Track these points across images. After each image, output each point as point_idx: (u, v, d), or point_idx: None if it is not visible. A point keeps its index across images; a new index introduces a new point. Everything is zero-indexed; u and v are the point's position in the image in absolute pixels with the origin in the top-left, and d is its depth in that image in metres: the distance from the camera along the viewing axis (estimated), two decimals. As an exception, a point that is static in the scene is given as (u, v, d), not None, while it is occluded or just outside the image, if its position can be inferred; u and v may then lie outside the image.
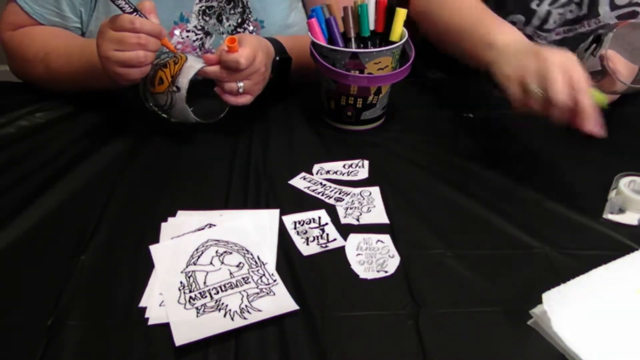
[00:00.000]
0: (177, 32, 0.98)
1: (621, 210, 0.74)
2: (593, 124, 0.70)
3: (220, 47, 0.81)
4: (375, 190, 0.78)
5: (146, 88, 0.86)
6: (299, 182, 0.80)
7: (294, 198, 0.77)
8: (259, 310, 0.60)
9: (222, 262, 0.66)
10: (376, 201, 0.76)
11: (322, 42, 0.87)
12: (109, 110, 0.96)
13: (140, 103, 0.88)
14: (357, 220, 0.73)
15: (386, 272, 0.65)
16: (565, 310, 0.57)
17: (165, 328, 0.58)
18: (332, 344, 0.57)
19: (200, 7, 0.98)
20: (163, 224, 0.71)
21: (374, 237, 0.70)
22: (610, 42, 0.80)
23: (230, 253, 0.67)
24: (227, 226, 0.71)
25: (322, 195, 0.77)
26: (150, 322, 0.59)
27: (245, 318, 0.59)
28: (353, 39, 0.90)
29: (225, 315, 0.59)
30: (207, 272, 0.65)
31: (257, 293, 0.62)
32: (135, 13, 0.77)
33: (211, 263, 0.66)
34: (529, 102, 0.73)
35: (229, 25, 1.01)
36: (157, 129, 0.89)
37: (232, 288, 0.63)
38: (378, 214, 0.74)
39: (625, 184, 0.75)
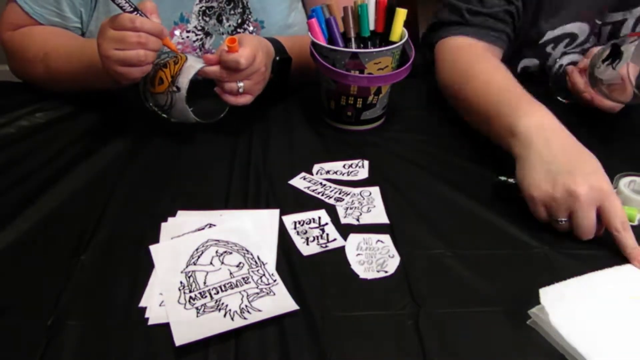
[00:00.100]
0: (177, 32, 0.98)
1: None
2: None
3: (221, 47, 0.81)
4: (375, 190, 0.78)
5: (146, 88, 0.86)
6: (299, 182, 0.80)
7: (294, 198, 0.77)
8: (259, 310, 0.60)
9: (222, 262, 0.66)
10: (376, 201, 0.76)
11: (322, 42, 0.87)
12: (109, 110, 0.96)
13: (140, 103, 0.88)
14: (357, 220, 0.73)
15: (386, 272, 0.65)
16: (562, 305, 0.58)
17: (165, 328, 0.58)
18: (332, 344, 0.57)
19: (200, 7, 0.98)
20: (163, 224, 0.71)
21: (374, 237, 0.70)
22: (632, 55, 0.78)
23: (230, 253, 0.67)
24: (227, 226, 0.71)
25: (322, 195, 0.77)
26: (150, 322, 0.59)
27: (245, 318, 0.59)
28: (353, 39, 0.90)
29: (225, 315, 0.59)
30: (207, 272, 0.65)
31: (257, 293, 0.62)
32: (135, 12, 0.77)
33: (211, 263, 0.66)
34: (554, 224, 0.70)
35: (229, 26, 1.01)
36: (157, 129, 0.89)
37: (232, 288, 0.63)
38: (378, 214, 0.74)
39: (625, 184, 0.75)
